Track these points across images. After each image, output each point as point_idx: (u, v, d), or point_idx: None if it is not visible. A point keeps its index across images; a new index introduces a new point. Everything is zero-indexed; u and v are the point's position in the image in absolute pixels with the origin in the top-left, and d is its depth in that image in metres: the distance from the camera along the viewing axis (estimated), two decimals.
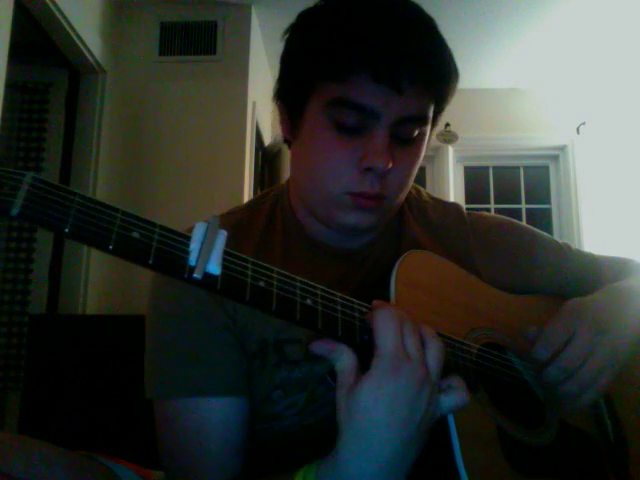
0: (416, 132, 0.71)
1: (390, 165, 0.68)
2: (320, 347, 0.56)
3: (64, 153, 2.65)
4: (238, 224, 0.80)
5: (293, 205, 0.81)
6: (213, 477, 0.68)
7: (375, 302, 0.59)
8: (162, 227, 0.48)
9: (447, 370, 0.57)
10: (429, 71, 0.67)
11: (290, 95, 0.75)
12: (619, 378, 0.71)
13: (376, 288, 0.69)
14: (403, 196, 0.77)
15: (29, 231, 2.67)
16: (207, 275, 0.48)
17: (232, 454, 0.70)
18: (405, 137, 0.70)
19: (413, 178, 0.76)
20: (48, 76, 2.74)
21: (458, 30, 3.11)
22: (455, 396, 0.56)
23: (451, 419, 0.61)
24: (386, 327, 0.54)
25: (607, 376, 0.68)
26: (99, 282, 2.62)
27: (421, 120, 0.70)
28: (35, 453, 0.56)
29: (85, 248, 2.56)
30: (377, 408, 0.52)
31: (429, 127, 0.74)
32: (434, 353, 0.56)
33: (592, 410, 0.78)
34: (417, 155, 0.73)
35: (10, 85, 2.10)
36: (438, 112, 0.75)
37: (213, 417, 0.69)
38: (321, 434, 0.70)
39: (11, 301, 2.63)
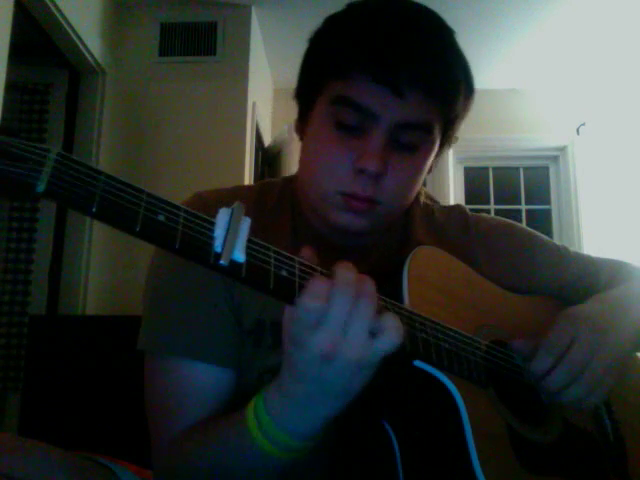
0: (418, 141, 0.70)
1: (382, 169, 0.67)
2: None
3: None
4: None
5: (300, 198, 0.82)
6: (178, 432, 0.68)
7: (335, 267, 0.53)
8: (186, 211, 0.47)
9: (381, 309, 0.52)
10: (430, 77, 0.67)
11: (302, 93, 0.77)
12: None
13: (384, 283, 0.69)
14: (401, 205, 0.76)
15: (29, 231, 2.67)
16: (233, 262, 0.47)
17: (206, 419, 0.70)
18: (405, 143, 0.70)
19: (414, 189, 0.75)
20: (48, 77, 2.74)
21: (458, 31, 3.10)
22: (388, 338, 0.50)
23: (465, 417, 0.61)
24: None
25: (612, 375, 0.68)
26: (99, 283, 2.62)
27: (423, 128, 0.70)
28: (35, 454, 0.56)
29: (85, 249, 2.56)
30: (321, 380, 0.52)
31: (436, 139, 0.73)
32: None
33: (593, 411, 0.78)
34: (419, 165, 0.73)
35: (10, 86, 2.10)
36: (449, 126, 0.74)
37: (197, 381, 0.70)
38: None
39: (11, 301, 2.63)
